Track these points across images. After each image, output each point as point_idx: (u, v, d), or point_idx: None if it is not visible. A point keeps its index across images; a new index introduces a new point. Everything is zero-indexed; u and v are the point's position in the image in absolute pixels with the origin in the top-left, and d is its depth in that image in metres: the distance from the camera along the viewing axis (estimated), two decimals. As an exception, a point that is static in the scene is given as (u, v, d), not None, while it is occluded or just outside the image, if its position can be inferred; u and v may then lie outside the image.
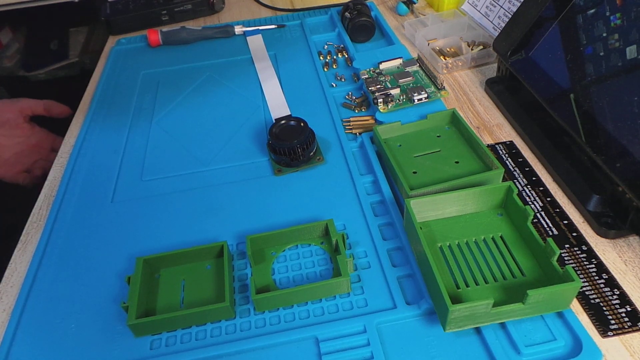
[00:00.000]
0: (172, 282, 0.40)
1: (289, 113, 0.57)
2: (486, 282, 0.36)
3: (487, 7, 0.67)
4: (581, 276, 0.37)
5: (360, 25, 0.67)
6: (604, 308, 0.35)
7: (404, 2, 0.75)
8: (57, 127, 0.64)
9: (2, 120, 0.61)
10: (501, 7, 0.64)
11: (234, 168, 0.51)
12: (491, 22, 0.65)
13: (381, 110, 0.53)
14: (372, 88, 0.55)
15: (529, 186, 0.45)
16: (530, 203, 0.43)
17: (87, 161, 0.54)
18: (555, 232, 0.41)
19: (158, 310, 0.38)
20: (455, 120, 0.49)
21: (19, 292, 0.41)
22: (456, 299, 0.35)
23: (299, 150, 0.48)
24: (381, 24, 0.70)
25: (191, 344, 0.36)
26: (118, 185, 0.50)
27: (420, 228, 0.39)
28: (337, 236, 0.39)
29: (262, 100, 0.60)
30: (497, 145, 0.50)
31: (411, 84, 0.56)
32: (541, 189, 0.45)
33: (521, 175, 0.46)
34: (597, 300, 0.36)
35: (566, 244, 0.40)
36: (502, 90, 0.55)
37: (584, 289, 0.37)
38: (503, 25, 0.59)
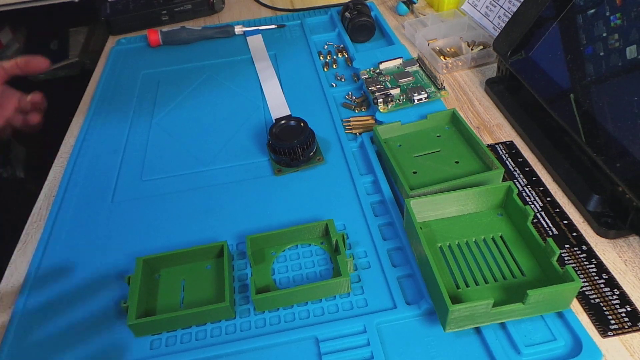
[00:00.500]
0: (172, 282, 0.40)
1: (289, 113, 0.57)
2: (486, 282, 0.36)
3: (487, 7, 0.67)
4: (581, 276, 0.37)
5: (360, 25, 0.67)
6: (604, 308, 0.35)
7: (404, 2, 0.75)
8: (57, 126, 0.64)
9: None
10: (501, 7, 0.64)
11: (234, 168, 0.51)
12: (491, 22, 0.65)
13: (381, 110, 0.53)
14: (372, 88, 0.55)
15: (529, 186, 0.45)
16: (530, 203, 0.43)
17: (87, 161, 0.54)
18: (555, 232, 0.41)
19: (158, 310, 0.38)
20: (455, 120, 0.49)
21: (19, 292, 0.41)
22: (456, 299, 0.35)
23: (299, 150, 0.48)
24: (381, 24, 0.70)
25: (191, 344, 0.36)
26: (118, 185, 0.50)
27: (420, 228, 0.39)
28: (337, 236, 0.39)
29: (262, 100, 0.60)
30: (497, 145, 0.50)
31: (411, 84, 0.56)
32: (541, 189, 0.45)
33: (521, 175, 0.46)
34: (597, 300, 0.36)
35: (566, 244, 0.40)
36: (502, 90, 0.55)
37: (584, 289, 0.37)
38: (503, 25, 0.59)
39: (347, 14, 0.68)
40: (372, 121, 0.54)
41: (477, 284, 0.36)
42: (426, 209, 0.40)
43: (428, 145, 0.48)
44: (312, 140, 0.49)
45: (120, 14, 0.78)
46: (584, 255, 0.39)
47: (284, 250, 0.41)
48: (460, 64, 0.61)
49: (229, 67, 0.67)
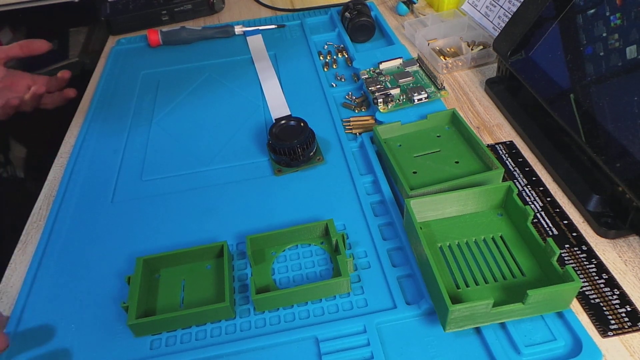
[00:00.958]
0: (172, 282, 0.40)
1: (289, 113, 0.57)
2: (486, 282, 0.36)
3: (487, 7, 0.67)
4: (581, 276, 0.37)
5: (360, 25, 0.67)
6: (604, 308, 0.35)
7: (404, 2, 0.75)
8: (57, 126, 0.64)
9: None
10: (501, 7, 0.64)
11: (234, 168, 0.51)
12: (491, 22, 0.65)
13: (381, 110, 0.53)
14: (372, 88, 0.55)
15: (529, 186, 0.45)
16: (530, 203, 0.43)
17: (87, 161, 0.54)
18: (555, 232, 0.41)
19: (158, 310, 0.38)
20: (455, 120, 0.49)
21: (19, 292, 0.41)
22: (456, 299, 0.35)
23: (299, 150, 0.48)
24: (381, 24, 0.70)
25: (191, 344, 0.36)
26: (118, 185, 0.50)
27: (420, 228, 0.39)
28: (337, 236, 0.39)
29: (262, 100, 0.60)
30: (497, 145, 0.50)
31: (411, 84, 0.56)
32: (541, 189, 0.45)
33: (521, 175, 0.46)
34: (597, 300, 0.36)
35: (566, 244, 0.40)
36: (502, 90, 0.55)
37: (584, 289, 0.37)
38: (503, 25, 0.59)
39: (347, 14, 0.68)
40: (372, 121, 0.54)
41: (477, 284, 0.36)
42: (426, 209, 0.40)
43: (428, 145, 0.48)
44: (312, 140, 0.49)
45: (120, 14, 0.78)
46: (584, 255, 0.39)
47: (284, 250, 0.41)
48: (460, 64, 0.61)
49: (229, 67, 0.67)
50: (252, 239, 0.40)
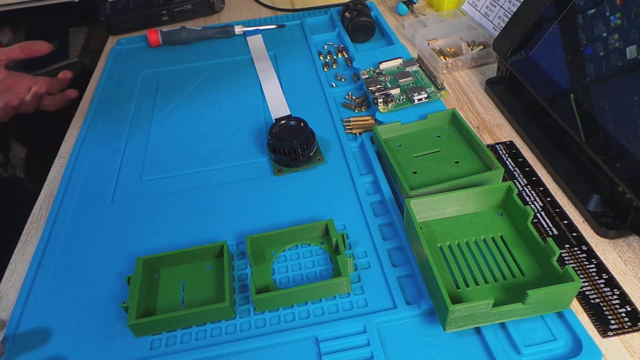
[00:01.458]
0: (172, 282, 0.40)
1: (289, 113, 0.57)
2: (486, 282, 0.36)
3: (487, 7, 0.67)
4: (581, 276, 0.37)
5: (360, 25, 0.67)
6: (604, 308, 0.35)
7: (404, 2, 0.75)
8: (57, 126, 0.64)
9: None
10: (501, 7, 0.64)
11: (234, 168, 0.51)
12: (491, 22, 0.65)
13: (381, 110, 0.53)
14: (372, 88, 0.55)
15: (529, 186, 0.45)
16: (530, 203, 0.43)
17: (87, 161, 0.54)
18: (555, 232, 0.41)
19: (158, 310, 0.38)
20: (455, 120, 0.49)
21: (19, 292, 0.41)
22: (456, 299, 0.35)
23: (299, 150, 0.48)
24: (381, 24, 0.70)
25: (191, 344, 0.36)
26: (118, 185, 0.50)
27: (420, 228, 0.39)
28: (337, 236, 0.39)
29: (262, 100, 0.60)
30: (497, 145, 0.50)
31: (411, 84, 0.56)
32: (541, 189, 0.45)
33: (521, 175, 0.46)
34: (597, 300, 0.36)
35: (566, 244, 0.40)
36: (502, 90, 0.55)
37: (584, 289, 0.37)
38: (503, 25, 0.59)
39: (347, 14, 0.68)
40: (372, 121, 0.54)
41: (477, 284, 0.36)
42: (426, 209, 0.40)
43: (428, 145, 0.48)
44: (312, 140, 0.49)
45: (120, 14, 0.78)
46: (584, 255, 0.39)
47: (284, 250, 0.41)
48: (460, 64, 0.61)
49: (229, 67, 0.67)
50: (252, 239, 0.40)
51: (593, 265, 0.38)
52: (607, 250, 0.39)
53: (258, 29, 0.74)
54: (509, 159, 0.48)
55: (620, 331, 0.34)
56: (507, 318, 0.33)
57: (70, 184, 0.51)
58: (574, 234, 0.40)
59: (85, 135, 0.58)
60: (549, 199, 0.44)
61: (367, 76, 0.58)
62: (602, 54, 0.43)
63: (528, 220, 0.37)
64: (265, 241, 0.41)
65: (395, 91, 0.54)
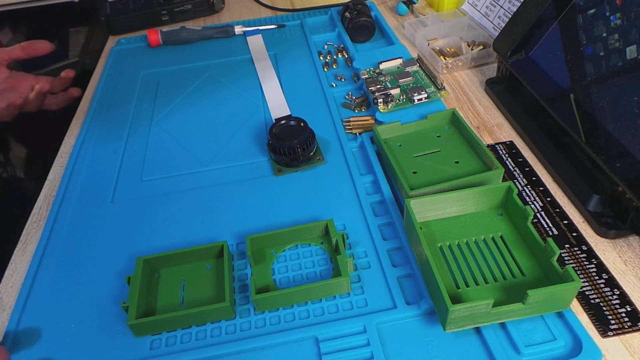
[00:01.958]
0: (172, 282, 0.40)
1: (289, 113, 0.57)
2: (486, 282, 0.36)
3: (487, 7, 0.67)
4: (581, 276, 0.37)
5: (360, 25, 0.67)
6: (604, 308, 0.35)
7: (404, 2, 0.75)
8: (57, 126, 0.64)
9: None
10: (501, 7, 0.64)
11: (234, 168, 0.51)
12: (491, 22, 0.65)
13: (381, 110, 0.53)
14: (372, 88, 0.55)
15: (529, 186, 0.45)
16: (530, 203, 0.43)
17: (87, 161, 0.54)
18: (555, 232, 0.41)
19: (158, 310, 0.38)
20: (455, 120, 0.49)
21: (19, 292, 0.41)
22: (456, 299, 0.35)
23: (299, 150, 0.48)
24: (381, 24, 0.70)
25: (191, 344, 0.36)
26: (118, 185, 0.50)
27: (420, 228, 0.39)
28: (337, 236, 0.39)
29: (262, 100, 0.60)
30: (497, 145, 0.50)
31: (411, 84, 0.56)
32: (541, 189, 0.45)
33: (521, 175, 0.46)
34: (597, 300, 0.36)
35: (566, 244, 0.40)
36: (502, 90, 0.55)
37: (584, 289, 0.37)
38: (503, 25, 0.59)
39: (347, 14, 0.68)
40: (372, 121, 0.54)
41: (477, 284, 0.36)
42: (426, 209, 0.40)
43: (428, 145, 0.48)
44: (312, 140, 0.49)
45: (120, 14, 0.78)
46: (584, 255, 0.39)
47: (284, 250, 0.41)
48: (460, 64, 0.61)
49: (229, 67, 0.67)
50: (252, 239, 0.40)
51: (593, 265, 0.38)
52: (607, 250, 0.39)
53: (258, 29, 0.74)
54: (509, 159, 0.48)
55: (620, 331, 0.34)
56: (507, 318, 0.33)
57: (70, 184, 0.51)
58: (574, 234, 0.40)
59: (85, 135, 0.58)
60: (549, 199, 0.44)
61: (367, 76, 0.58)
62: (602, 54, 0.43)
63: (528, 220, 0.37)
64: (265, 241, 0.41)
65: (395, 91, 0.54)
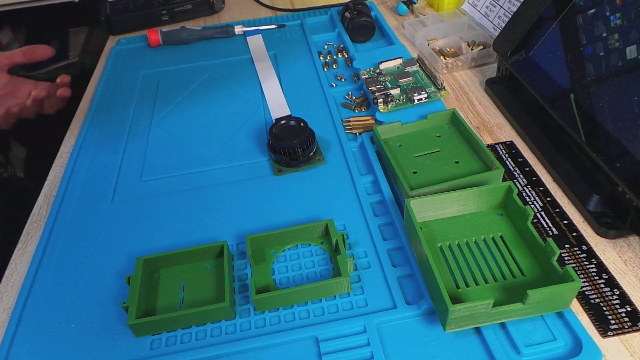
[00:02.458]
0: (172, 282, 0.40)
1: (289, 113, 0.57)
2: (486, 282, 0.36)
3: (487, 7, 0.67)
4: (581, 276, 0.37)
5: (360, 25, 0.67)
6: (604, 308, 0.35)
7: (404, 2, 0.75)
8: (57, 126, 0.64)
9: None
10: (501, 7, 0.64)
11: (234, 168, 0.51)
12: (491, 22, 0.65)
13: (381, 110, 0.53)
14: (372, 88, 0.55)
15: (529, 186, 0.45)
16: (530, 203, 0.43)
17: (87, 161, 0.54)
18: (555, 232, 0.41)
19: (158, 310, 0.38)
20: (455, 120, 0.49)
21: (19, 292, 0.41)
22: (456, 299, 0.35)
23: (299, 150, 0.48)
24: (381, 24, 0.70)
25: (191, 344, 0.36)
26: (118, 185, 0.50)
27: (420, 228, 0.39)
28: (337, 236, 0.39)
29: (262, 100, 0.60)
30: (497, 145, 0.50)
31: (411, 84, 0.56)
32: (541, 189, 0.45)
33: (521, 175, 0.46)
34: (597, 300, 0.36)
35: (566, 244, 0.40)
36: (502, 90, 0.55)
37: (584, 289, 0.37)
38: (503, 25, 0.59)
39: (347, 14, 0.68)
40: (372, 121, 0.54)
41: (477, 284, 0.36)
42: (426, 209, 0.40)
43: (428, 145, 0.48)
44: (312, 140, 0.49)
45: (120, 14, 0.78)
46: (584, 255, 0.39)
47: (284, 250, 0.41)
48: (460, 64, 0.61)
49: (229, 67, 0.67)
50: (252, 239, 0.40)
51: (593, 265, 0.38)
52: (607, 250, 0.39)
53: (258, 29, 0.74)
54: (509, 159, 0.48)
55: (620, 331, 0.34)
56: (507, 318, 0.33)
57: (70, 184, 0.51)
58: (574, 234, 0.40)
59: (85, 135, 0.58)
60: (549, 199, 0.44)
61: (367, 76, 0.58)
62: (602, 54, 0.43)
63: (528, 220, 0.37)
64: (265, 241, 0.41)
65: (395, 91, 0.54)
